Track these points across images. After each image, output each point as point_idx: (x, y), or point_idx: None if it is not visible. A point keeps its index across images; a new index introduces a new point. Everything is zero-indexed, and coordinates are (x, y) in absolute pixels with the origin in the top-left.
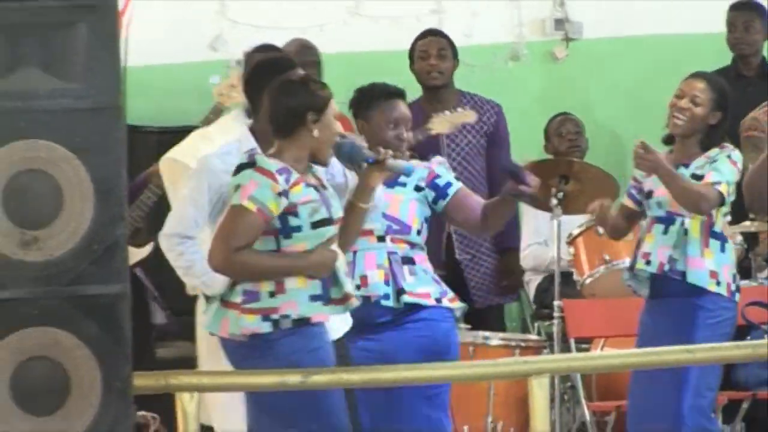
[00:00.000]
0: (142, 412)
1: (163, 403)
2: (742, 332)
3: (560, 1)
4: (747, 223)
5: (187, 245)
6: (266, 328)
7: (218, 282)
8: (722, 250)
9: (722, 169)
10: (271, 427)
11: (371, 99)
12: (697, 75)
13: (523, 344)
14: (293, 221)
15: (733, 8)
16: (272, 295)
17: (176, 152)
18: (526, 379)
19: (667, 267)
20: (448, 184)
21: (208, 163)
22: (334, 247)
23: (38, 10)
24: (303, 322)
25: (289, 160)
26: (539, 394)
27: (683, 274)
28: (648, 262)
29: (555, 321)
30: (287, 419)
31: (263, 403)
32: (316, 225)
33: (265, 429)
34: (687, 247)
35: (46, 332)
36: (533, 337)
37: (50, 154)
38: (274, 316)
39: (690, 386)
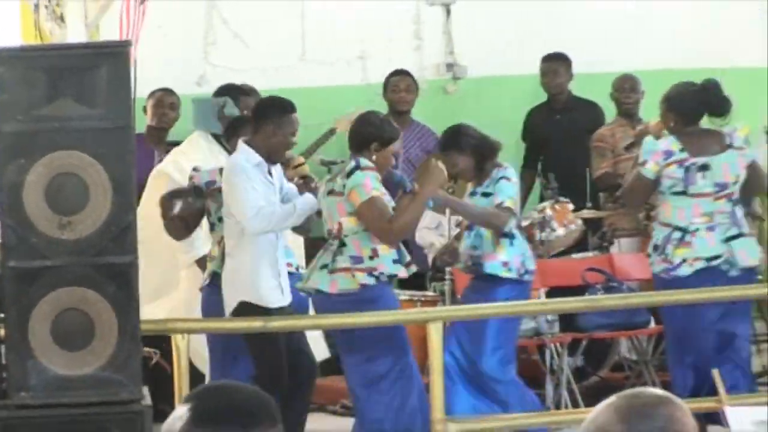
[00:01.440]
0: (146, 348)
1: (164, 342)
2: (582, 290)
3: (450, 50)
4: (585, 211)
5: (267, 210)
6: (372, 281)
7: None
8: (511, 244)
9: (503, 189)
10: (358, 364)
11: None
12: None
13: (423, 299)
14: None
15: (545, 59)
16: (371, 258)
17: (163, 166)
18: (426, 324)
19: (470, 262)
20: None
21: (242, 165)
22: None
23: (72, 55)
24: (391, 278)
25: None
26: (435, 335)
27: (482, 266)
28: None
29: (446, 282)
30: (371, 354)
31: (351, 345)
32: None
33: (354, 366)
34: (483, 246)
35: (77, 291)
36: (431, 293)
37: (80, 161)
38: (375, 273)
39: (489, 338)
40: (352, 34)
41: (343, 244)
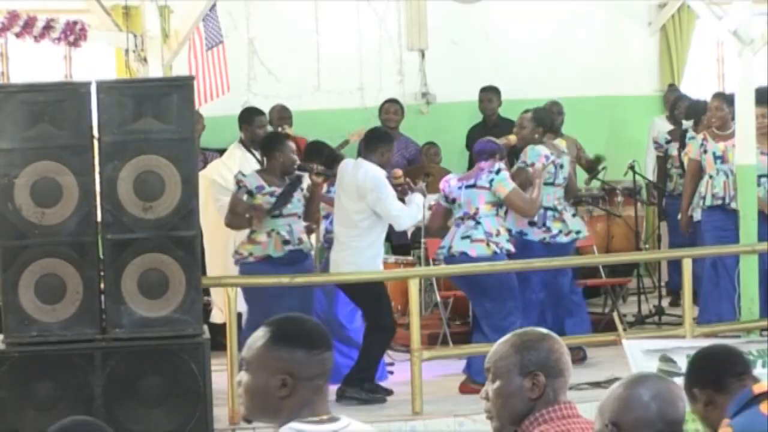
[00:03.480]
0: (206, 297)
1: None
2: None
3: (424, 82)
4: None
5: (407, 211)
6: (498, 250)
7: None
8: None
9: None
10: (492, 304)
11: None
12: None
13: (404, 261)
14: None
15: (482, 91)
16: (497, 234)
17: (207, 170)
18: (407, 280)
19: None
20: None
21: (382, 177)
22: None
23: (152, 86)
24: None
25: None
26: (414, 288)
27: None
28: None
29: (422, 249)
30: (499, 296)
31: (484, 291)
32: None
33: (488, 307)
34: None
35: (156, 256)
36: (410, 258)
37: (158, 162)
38: (498, 249)
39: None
40: (354, 71)
41: (478, 223)
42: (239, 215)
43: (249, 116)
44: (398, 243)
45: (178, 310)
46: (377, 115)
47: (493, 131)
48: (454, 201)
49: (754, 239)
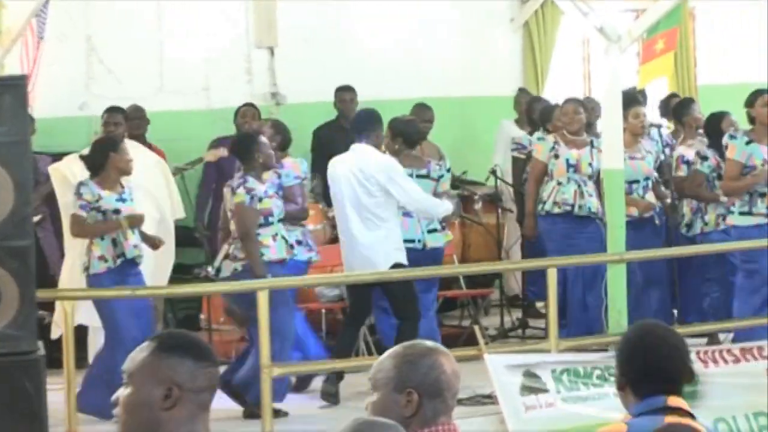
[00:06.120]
0: (40, 311)
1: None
2: None
3: (274, 82)
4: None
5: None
6: None
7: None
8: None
9: None
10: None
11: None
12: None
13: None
14: None
15: (339, 90)
16: None
17: (62, 163)
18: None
19: None
20: None
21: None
22: None
23: None
24: None
25: None
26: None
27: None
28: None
29: None
30: None
31: None
32: None
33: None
34: None
35: None
36: None
37: None
38: None
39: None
40: (199, 71)
41: None
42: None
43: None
44: None
45: (11, 325)
46: (223, 118)
47: (350, 132)
48: None
49: (623, 248)
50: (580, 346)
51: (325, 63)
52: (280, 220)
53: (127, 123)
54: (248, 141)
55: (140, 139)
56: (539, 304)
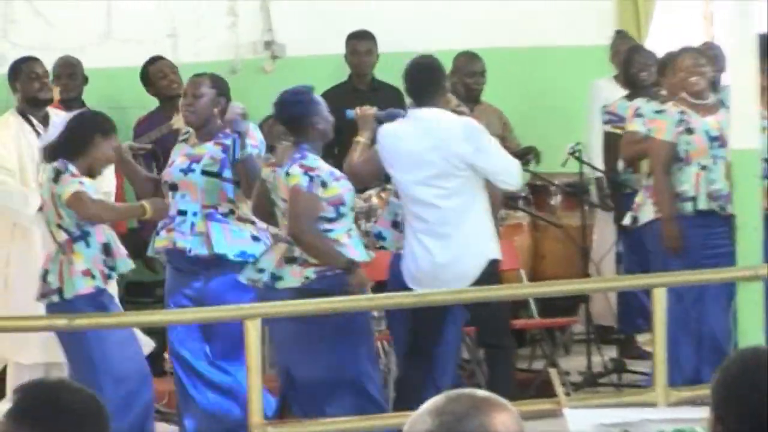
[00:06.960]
0: None
1: None
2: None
3: (268, 27)
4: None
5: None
6: None
7: None
8: None
9: None
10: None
11: None
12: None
13: None
14: None
15: (352, 37)
16: None
17: None
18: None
19: None
20: None
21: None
22: None
23: None
24: None
25: None
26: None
27: None
28: None
29: None
30: None
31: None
32: None
33: None
34: None
35: None
36: None
37: None
38: None
39: None
40: (162, 11)
41: None
42: None
43: (17, 70)
44: None
45: None
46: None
47: (369, 98)
48: None
49: (759, 258)
50: (697, 397)
51: (334, 5)
52: (352, 210)
53: (55, 82)
54: (301, 101)
55: (72, 104)
56: (641, 339)
